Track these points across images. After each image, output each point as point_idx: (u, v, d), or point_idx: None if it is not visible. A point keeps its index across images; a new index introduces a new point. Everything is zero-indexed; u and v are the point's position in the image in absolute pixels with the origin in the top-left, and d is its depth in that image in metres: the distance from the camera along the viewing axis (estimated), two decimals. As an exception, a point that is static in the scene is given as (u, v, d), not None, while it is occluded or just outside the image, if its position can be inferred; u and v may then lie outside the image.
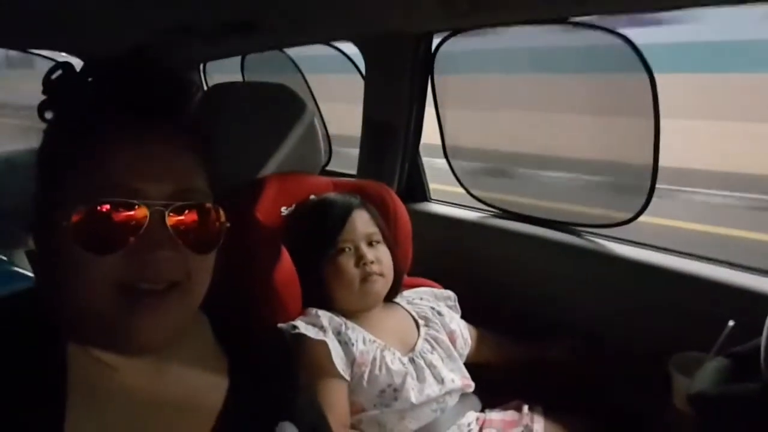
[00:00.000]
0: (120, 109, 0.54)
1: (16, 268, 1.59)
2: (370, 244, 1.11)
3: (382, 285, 1.11)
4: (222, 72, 2.31)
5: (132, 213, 0.52)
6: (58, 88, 0.58)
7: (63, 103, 0.58)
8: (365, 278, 1.08)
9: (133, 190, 0.52)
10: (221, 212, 0.58)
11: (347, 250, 1.09)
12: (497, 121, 1.76)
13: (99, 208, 0.51)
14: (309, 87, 2.08)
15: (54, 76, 0.57)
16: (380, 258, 1.11)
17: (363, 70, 1.64)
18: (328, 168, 2.04)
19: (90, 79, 0.57)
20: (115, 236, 0.51)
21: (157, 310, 0.53)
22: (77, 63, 0.57)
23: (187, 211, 0.55)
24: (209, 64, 2.28)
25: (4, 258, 1.63)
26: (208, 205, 0.57)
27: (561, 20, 1.23)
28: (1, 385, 0.49)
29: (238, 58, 2.20)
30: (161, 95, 0.56)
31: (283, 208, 1.20)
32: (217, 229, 0.58)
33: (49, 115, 0.58)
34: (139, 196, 0.52)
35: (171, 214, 0.53)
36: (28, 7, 1.33)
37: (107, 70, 0.58)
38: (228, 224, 0.59)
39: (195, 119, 0.59)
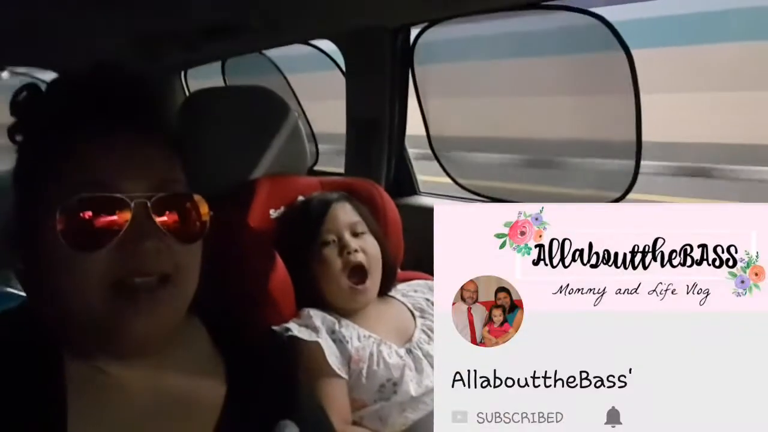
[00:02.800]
0: (89, 118, 0.55)
1: (9, 289, 1.58)
2: (354, 234, 1.10)
3: (371, 291, 1.09)
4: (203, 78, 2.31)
5: (117, 206, 0.53)
6: (26, 108, 0.58)
7: (33, 123, 0.58)
8: (353, 289, 1.06)
9: (115, 185, 0.53)
10: (203, 202, 0.59)
11: (331, 242, 1.08)
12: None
13: (84, 205, 0.52)
14: (291, 88, 2.08)
15: (20, 98, 0.58)
16: (365, 248, 1.09)
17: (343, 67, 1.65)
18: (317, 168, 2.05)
19: (56, 96, 0.58)
20: (102, 231, 0.52)
21: (152, 305, 0.54)
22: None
23: (169, 202, 0.56)
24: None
25: None
26: (190, 194, 0.59)
27: (534, 5, 1.23)
28: (1, 402, 0.50)
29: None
30: (126, 100, 0.57)
31: (272, 211, 1.20)
32: (200, 217, 0.59)
33: (19, 137, 0.58)
34: (121, 191, 0.53)
35: (154, 204, 0.54)
36: None
37: (72, 86, 0.59)
38: (212, 213, 0.60)
39: (163, 116, 0.62)
